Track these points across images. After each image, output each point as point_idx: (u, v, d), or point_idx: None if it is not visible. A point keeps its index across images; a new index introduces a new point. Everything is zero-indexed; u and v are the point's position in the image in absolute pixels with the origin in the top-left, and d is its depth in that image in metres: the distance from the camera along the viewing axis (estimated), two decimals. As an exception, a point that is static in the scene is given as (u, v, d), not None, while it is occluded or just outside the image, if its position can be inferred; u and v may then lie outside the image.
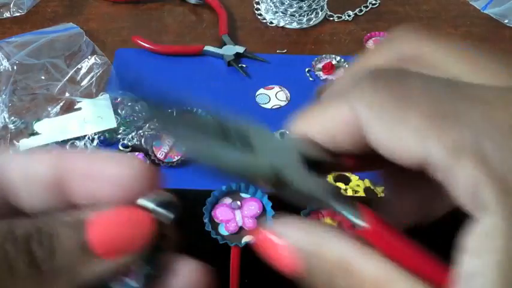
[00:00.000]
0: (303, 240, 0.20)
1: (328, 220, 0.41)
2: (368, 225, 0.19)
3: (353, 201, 0.20)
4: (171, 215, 0.20)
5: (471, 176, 0.16)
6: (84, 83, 0.61)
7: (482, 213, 0.16)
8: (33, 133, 0.56)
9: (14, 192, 0.20)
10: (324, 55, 0.66)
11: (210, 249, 0.46)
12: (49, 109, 0.59)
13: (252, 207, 0.49)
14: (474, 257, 0.16)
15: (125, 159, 0.19)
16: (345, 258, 0.19)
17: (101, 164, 0.19)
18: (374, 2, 0.75)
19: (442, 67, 0.21)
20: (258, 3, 0.74)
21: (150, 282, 0.19)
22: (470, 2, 0.75)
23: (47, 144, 0.55)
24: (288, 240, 0.20)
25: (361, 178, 0.51)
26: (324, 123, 0.20)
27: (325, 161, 0.21)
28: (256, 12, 0.73)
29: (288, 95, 0.63)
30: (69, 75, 0.61)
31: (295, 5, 0.69)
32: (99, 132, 0.56)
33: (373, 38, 0.69)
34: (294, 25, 0.71)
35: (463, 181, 0.16)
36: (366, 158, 0.21)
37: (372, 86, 0.19)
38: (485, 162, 0.16)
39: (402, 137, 0.17)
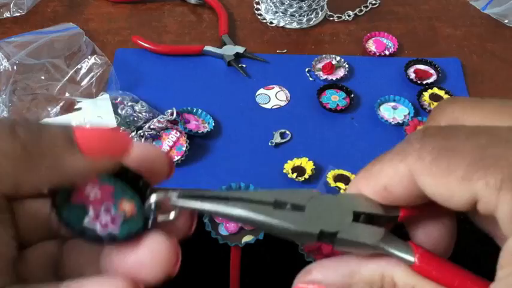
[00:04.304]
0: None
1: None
2: (420, 260, 0.22)
3: (404, 242, 0.23)
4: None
5: (509, 205, 0.19)
6: (84, 83, 0.61)
7: None
8: (33, 133, 0.56)
9: None
10: (324, 55, 0.66)
11: (210, 249, 0.46)
12: (49, 109, 0.59)
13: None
14: (504, 271, 0.19)
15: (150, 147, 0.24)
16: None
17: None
18: (374, 2, 0.75)
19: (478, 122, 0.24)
20: (258, 3, 0.74)
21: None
22: (470, 2, 0.75)
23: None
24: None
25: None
26: (381, 180, 0.23)
27: (379, 215, 0.23)
28: (256, 12, 0.73)
29: (288, 95, 0.63)
30: (69, 75, 0.61)
31: (295, 5, 0.69)
32: (99, 132, 0.56)
33: (373, 38, 0.69)
34: (294, 25, 0.71)
35: (504, 210, 0.19)
36: (417, 207, 0.23)
37: (420, 141, 0.22)
38: None
39: (452, 186, 0.20)
